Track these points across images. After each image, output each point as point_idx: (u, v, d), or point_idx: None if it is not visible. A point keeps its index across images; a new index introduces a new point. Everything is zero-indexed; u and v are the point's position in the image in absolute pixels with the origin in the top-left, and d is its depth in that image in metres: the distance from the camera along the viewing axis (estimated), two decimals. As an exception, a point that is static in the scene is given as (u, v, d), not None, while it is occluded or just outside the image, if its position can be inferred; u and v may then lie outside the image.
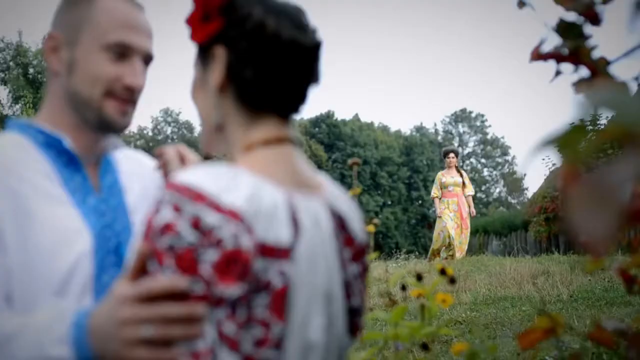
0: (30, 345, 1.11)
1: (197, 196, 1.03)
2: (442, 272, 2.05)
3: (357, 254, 1.26)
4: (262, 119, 1.19)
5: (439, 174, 11.57)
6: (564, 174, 0.62)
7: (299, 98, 1.22)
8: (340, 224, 1.23)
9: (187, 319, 1.01)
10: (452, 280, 2.04)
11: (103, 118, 1.44)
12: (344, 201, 1.28)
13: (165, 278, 1.01)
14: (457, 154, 11.55)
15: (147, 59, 1.50)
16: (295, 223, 1.10)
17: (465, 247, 11.05)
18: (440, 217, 11.04)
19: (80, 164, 1.45)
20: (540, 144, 0.57)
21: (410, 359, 2.15)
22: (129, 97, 1.46)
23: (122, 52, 1.44)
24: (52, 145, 1.42)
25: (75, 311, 1.12)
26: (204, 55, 1.22)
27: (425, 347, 2.05)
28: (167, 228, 1.03)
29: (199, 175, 1.06)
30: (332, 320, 1.17)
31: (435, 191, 11.35)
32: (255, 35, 1.16)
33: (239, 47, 1.16)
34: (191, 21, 1.20)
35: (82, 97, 1.43)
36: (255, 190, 1.08)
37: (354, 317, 1.27)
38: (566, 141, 0.56)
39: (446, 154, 11.55)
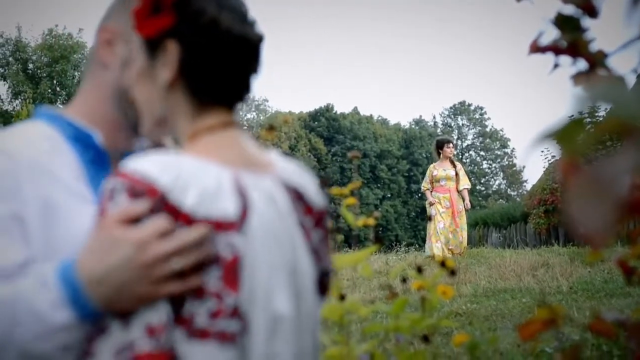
0: (29, 317, 1.08)
1: (150, 190, 1.07)
2: (442, 264, 2.06)
3: (318, 220, 1.31)
4: (208, 109, 1.23)
5: (431, 166, 10.67)
6: (563, 166, 0.62)
7: (246, 88, 1.26)
8: (297, 196, 1.27)
9: (199, 242, 1.07)
10: (453, 273, 2.05)
11: None
12: (297, 173, 1.31)
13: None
14: (455, 146, 10.40)
15: None
16: (244, 199, 1.14)
17: (462, 244, 10.14)
18: (430, 215, 10.31)
19: (108, 162, 1.42)
20: (539, 137, 0.58)
21: (411, 351, 2.16)
22: None
23: None
24: (80, 140, 1.38)
25: (55, 271, 1.10)
26: (151, 48, 1.23)
27: (425, 339, 2.06)
28: None
29: (149, 166, 1.10)
30: (301, 294, 1.21)
31: (425, 185, 10.50)
32: (209, 31, 1.19)
33: (192, 42, 1.19)
34: (139, 13, 1.20)
35: (131, 94, 1.40)
36: (200, 173, 1.11)
37: (322, 279, 1.33)
38: (564, 134, 0.57)
39: (444, 144, 10.50)
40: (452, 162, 10.53)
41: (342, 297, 2.06)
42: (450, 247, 9.99)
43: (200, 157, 1.15)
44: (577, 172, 0.57)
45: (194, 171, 1.11)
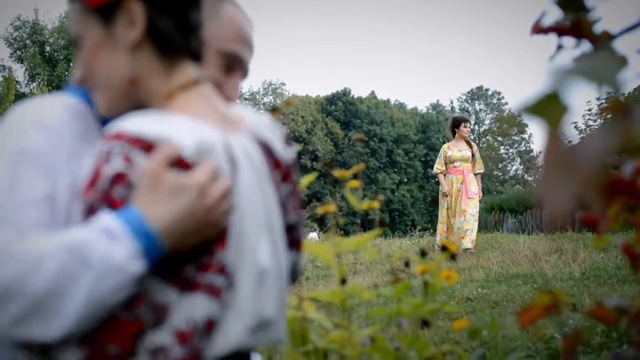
0: (108, 269, 1.07)
1: (148, 146, 1.07)
2: (444, 248, 2.04)
3: (285, 175, 1.35)
4: (178, 63, 1.22)
5: (445, 146, 9.63)
6: (546, 143, 0.60)
7: (201, 38, 1.27)
8: (266, 150, 1.30)
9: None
10: (453, 257, 2.03)
11: None
12: (265, 127, 1.33)
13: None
14: (471, 125, 9.42)
15: (245, 74, 1.54)
16: (232, 159, 1.16)
17: (473, 232, 9.10)
18: (443, 200, 9.35)
19: None
20: (515, 110, 0.56)
21: (414, 336, 2.15)
22: None
23: (231, 63, 1.48)
24: (108, 122, 1.34)
25: (121, 224, 1.09)
26: (105, 14, 1.20)
27: (425, 324, 2.04)
28: (119, 178, 1.07)
29: (143, 124, 1.09)
30: (276, 246, 1.25)
31: (438, 166, 9.51)
32: None
33: None
34: None
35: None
36: (197, 132, 1.12)
37: (292, 233, 1.38)
38: (540, 108, 0.55)
39: (460, 123, 9.58)
40: (468, 143, 9.61)
41: (343, 281, 2.04)
42: (451, 238, 9.00)
43: (188, 117, 1.15)
44: (554, 148, 0.55)
45: (193, 132, 1.12)
